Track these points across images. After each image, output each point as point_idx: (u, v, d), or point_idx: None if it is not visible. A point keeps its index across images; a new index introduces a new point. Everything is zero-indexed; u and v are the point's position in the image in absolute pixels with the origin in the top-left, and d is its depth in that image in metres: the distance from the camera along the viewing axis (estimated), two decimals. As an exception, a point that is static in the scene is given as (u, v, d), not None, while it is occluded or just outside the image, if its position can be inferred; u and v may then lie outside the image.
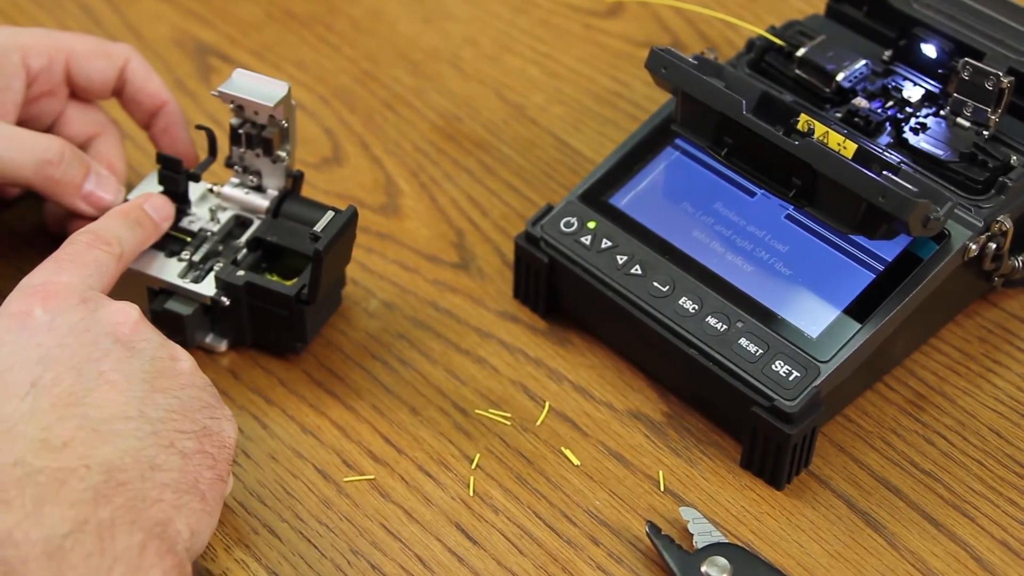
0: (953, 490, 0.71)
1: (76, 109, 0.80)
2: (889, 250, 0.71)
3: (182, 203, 0.77)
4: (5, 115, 0.76)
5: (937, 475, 0.72)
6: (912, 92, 0.77)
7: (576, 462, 0.72)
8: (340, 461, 0.72)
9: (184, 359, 0.66)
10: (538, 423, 0.74)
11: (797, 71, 0.79)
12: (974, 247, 0.71)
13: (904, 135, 0.75)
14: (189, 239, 0.76)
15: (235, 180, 0.78)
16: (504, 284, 0.81)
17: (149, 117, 0.81)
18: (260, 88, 0.75)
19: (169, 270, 0.75)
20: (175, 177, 0.77)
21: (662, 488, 0.71)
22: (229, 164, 0.78)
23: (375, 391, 0.75)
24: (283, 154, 0.76)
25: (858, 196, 0.67)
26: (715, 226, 0.75)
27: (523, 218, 0.84)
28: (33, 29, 0.79)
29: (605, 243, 0.75)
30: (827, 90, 0.78)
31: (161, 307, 0.74)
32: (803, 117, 0.73)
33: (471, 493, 0.71)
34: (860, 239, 0.72)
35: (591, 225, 0.76)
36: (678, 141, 0.78)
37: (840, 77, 0.77)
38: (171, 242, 0.76)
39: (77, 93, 0.80)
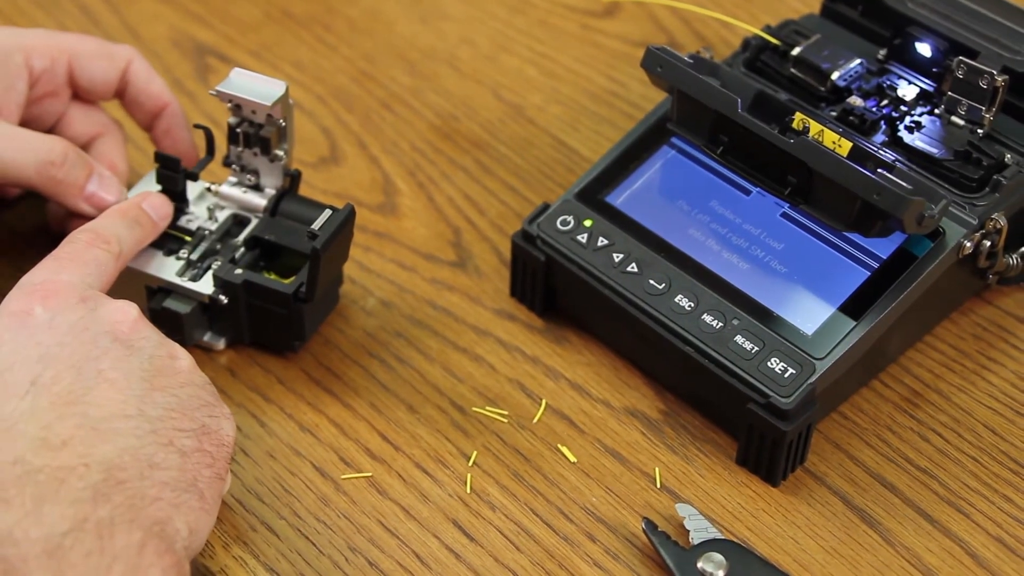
0: (948, 487, 0.71)
1: (78, 110, 0.81)
2: (884, 248, 0.72)
3: (180, 202, 0.78)
4: (8, 116, 0.76)
5: (932, 472, 0.72)
6: (907, 91, 0.78)
7: (573, 459, 0.73)
8: (338, 458, 0.72)
9: (183, 357, 0.66)
10: (535, 420, 0.74)
11: (792, 70, 0.79)
12: (969, 245, 0.72)
13: (899, 133, 0.76)
14: (187, 238, 0.76)
15: (233, 179, 0.78)
16: (501, 282, 0.81)
17: (151, 118, 0.81)
18: (258, 87, 0.75)
19: (167, 268, 0.75)
20: (173, 176, 0.77)
21: (658, 485, 0.71)
22: (227, 163, 0.78)
23: (373, 389, 0.76)
24: (281, 153, 0.77)
25: (853, 194, 0.68)
26: (711, 224, 0.75)
27: (520, 217, 0.85)
28: (36, 30, 0.80)
29: (601, 241, 0.75)
30: (822, 89, 0.78)
31: (159, 305, 0.74)
32: (798, 116, 0.73)
33: (468, 490, 0.71)
34: (855, 237, 0.72)
35: (587, 223, 0.76)
36: (674, 140, 0.78)
37: (835, 76, 0.78)
38: (169, 241, 0.76)
39: (79, 94, 0.81)
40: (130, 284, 0.74)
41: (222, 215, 0.78)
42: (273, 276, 0.75)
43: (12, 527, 0.56)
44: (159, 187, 0.77)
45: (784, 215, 0.74)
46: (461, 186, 0.88)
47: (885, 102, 0.77)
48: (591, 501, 0.70)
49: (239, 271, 0.74)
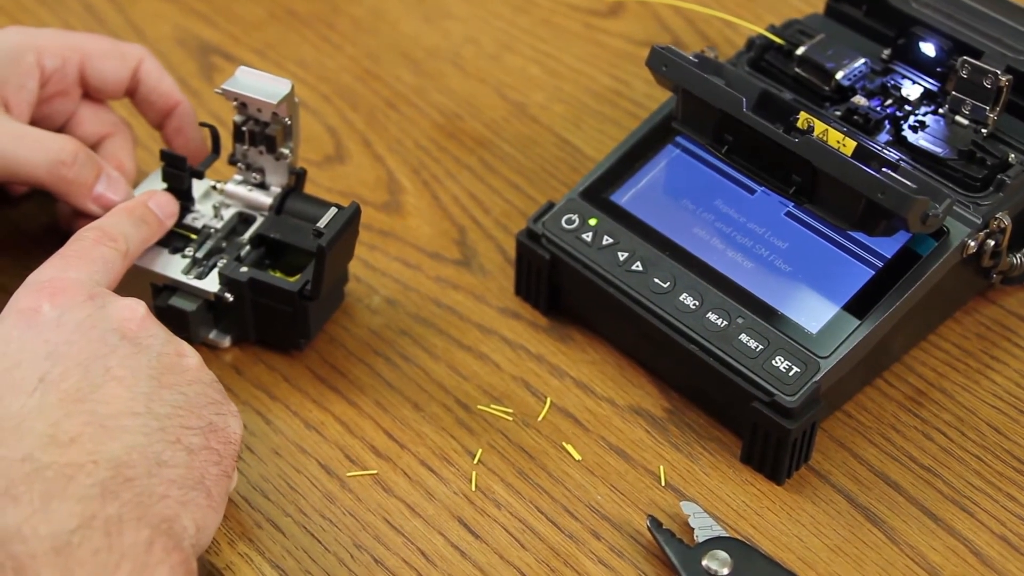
0: (952, 485, 0.71)
1: (88, 109, 0.81)
2: (888, 247, 0.72)
3: (186, 200, 0.78)
4: (19, 115, 0.76)
5: (936, 470, 0.72)
6: (911, 90, 0.78)
7: (578, 457, 0.73)
8: (343, 456, 0.72)
9: (190, 355, 0.66)
10: (540, 419, 0.74)
11: (797, 69, 0.79)
12: (973, 244, 0.72)
13: (903, 133, 0.76)
14: (193, 236, 0.77)
15: (238, 177, 0.79)
16: (506, 281, 0.81)
17: (162, 117, 0.81)
18: (263, 85, 0.75)
19: (173, 267, 0.75)
20: (179, 174, 0.77)
21: (663, 483, 0.71)
22: (232, 161, 0.78)
23: (378, 387, 0.76)
24: (286, 151, 0.77)
25: (858, 193, 0.68)
26: (715, 223, 0.75)
27: (524, 215, 0.85)
28: (48, 30, 0.80)
29: (606, 240, 0.76)
30: (827, 88, 0.78)
31: (165, 303, 0.74)
32: (803, 115, 0.73)
33: (473, 488, 0.71)
34: (859, 236, 0.72)
35: (592, 222, 0.76)
36: (678, 139, 0.78)
37: (839, 75, 0.78)
38: (175, 239, 0.76)
39: (90, 93, 0.81)
40: (136, 282, 0.74)
41: (228, 213, 0.78)
42: (278, 274, 0.76)
43: (21, 524, 0.56)
44: (165, 185, 0.78)
45: (788, 214, 0.75)
46: (466, 184, 0.88)
47: (889, 101, 0.78)
48: (596, 499, 0.71)
49: (244, 269, 0.74)
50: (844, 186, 0.68)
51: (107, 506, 0.58)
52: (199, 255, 0.76)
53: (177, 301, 0.75)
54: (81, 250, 0.68)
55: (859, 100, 0.77)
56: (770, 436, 0.70)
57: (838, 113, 0.77)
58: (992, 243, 0.73)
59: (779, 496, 0.71)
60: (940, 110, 0.77)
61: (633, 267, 0.74)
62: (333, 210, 0.72)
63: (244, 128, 0.77)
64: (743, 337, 0.71)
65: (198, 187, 0.79)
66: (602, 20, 1.01)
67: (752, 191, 0.76)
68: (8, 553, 0.55)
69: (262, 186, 0.78)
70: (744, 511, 0.70)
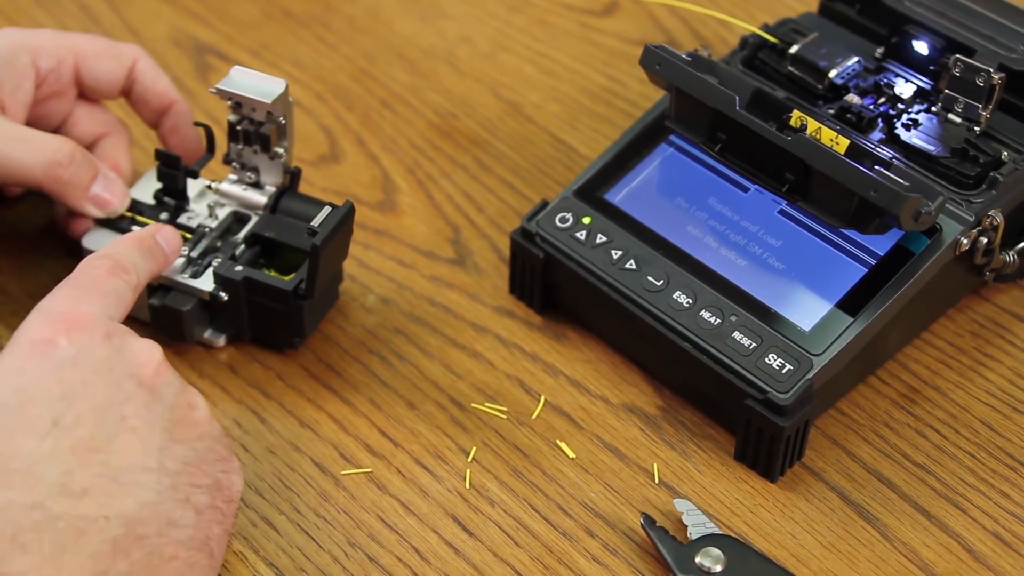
0: (945, 482, 0.72)
1: (84, 110, 0.81)
2: (881, 244, 0.72)
3: (180, 199, 0.78)
4: (15, 116, 0.76)
5: (929, 467, 0.72)
6: (904, 89, 0.78)
7: (572, 455, 0.73)
8: (337, 454, 0.72)
9: (201, 407, 0.64)
10: (534, 417, 0.75)
11: (790, 68, 0.79)
12: (965, 241, 0.72)
13: (896, 131, 0.76)
14: (188, 235, 0.77)
15: (233, 176, 0.79)
16: (500, 280, 0.82)
17: (157, 116, 0.81)
18: (258, 85, 0.75)
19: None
20: (174, 174, 0.77)
21: (657, 480, 0.72)
22: (227, 161, 0.78)
23: (372, 385, 0.76)
24: (281, 150, 0.77)
25: (850, 191, 0.68)
26: (709, 221, 0.75)
27: (519, 214, 0.85)
28: (43, 31, 0.80)
29: (600, 238, 0.76)
30: (820, 87, 0.78)
31: (160, 302, 0.75)
32: (796, 113, 0.73)
33: (467, 486, 0.71)
34: (852, 233, 0.72)
35: (586, 221, 0.77)
36: (672, 137, 0.78)
37: (833, 74, 0.78)
38: (170, 238, 0.77)
39: (86, 93, 0.81)
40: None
41: (222, 212, 0.78)
42: (273, 273, 0.76)
43: (29, 573, 0.54)
44: (160, 185, 0.78)
45: (782, 212, 0.75)
46: (460, 184, 0.88)
47: (882, 100, 0.78)
48: (590, 497, 0.71)
49: (239, 268, 0.74)
50: (837, 184, 0.68)
51: (118, 563, 0.57)
52: (194, 254, 0.76)
53: (172, 300, 0.75)
54: (94, 281, 0.65)
55: (852, 98, 0.77)
56: (763, 433, 0.70)
57: (831, 111, 0.77)
58: (985, 241, 0.73)
59: (772, 493, 0.71)
60: (933, 108, 0.77)
61: (627, 265, 0.75)
62: (327, 209, 0.72)
63: (239, 127, 0.77)
64: (736, 335, 0.71)
65: (193, 186, 0.79)
66: (597, 19, 1.01)
67: (745, 189, 0.76)
68: None
69: (257, 185, 0.78)
70: (738, 508, 0.70)
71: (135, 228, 0.77)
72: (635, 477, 0.72)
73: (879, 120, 0.77)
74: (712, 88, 0.73)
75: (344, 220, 0.73)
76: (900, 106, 0.77)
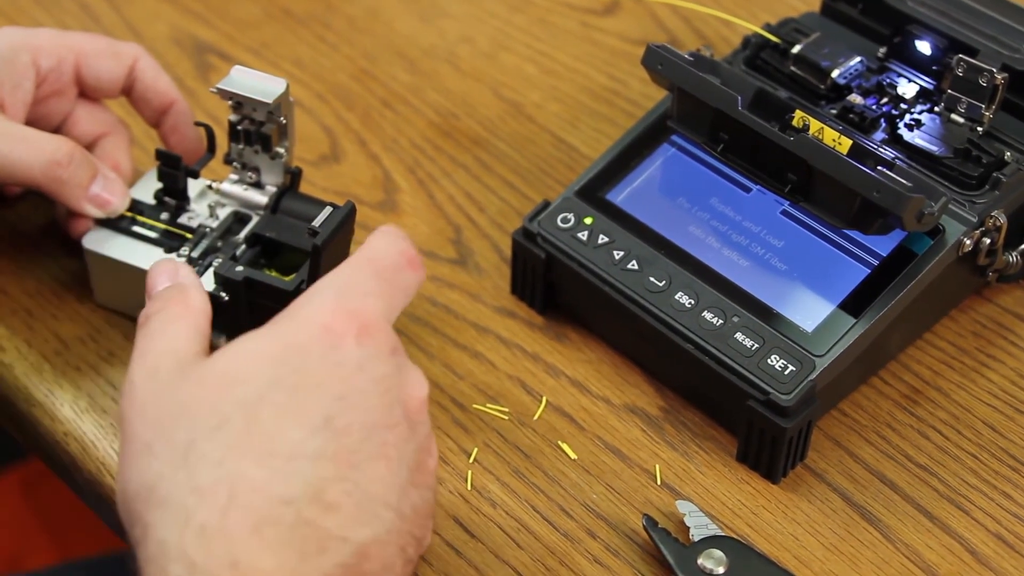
0: (948, 483, 0.71)
1: (84, 109, 0.81)
2: (884, 245, 0.72)
3: (181, 199, 0.78)
4: (15, 115, 0.76)
5: (932, 469, 0.72)
6: (907, 89, 0.78)
7: (573, 456, 0.73)
8: (339, 455, 0.72)
9: (434, 456, 0.60)
10: (535, 417, 0.74)
11: (792, 68, 0.79)
12: (968, 242, 0.72)
13: (899, 131, 0.76)
14: (188, 235, 0.77)
15: (234, 176, 0.79)
16: (501, 280, 0.81)
17: (158, 115, 0.81)
18: (258, 84, 0.75)
19: (168, 266, 0.75)
20: (174, 174, 0.77)
21: (659, 482, 0.71)
22: (228, 161, 0.78)
23: (373, 386, 0.76)
24: (281, 150, 0.77)
25: (853, 191, 0.68)
26: (711, 221, 0.75)
27: (520, 214, 0.85)
28: (43, 30, 0.80)
29: (602, 239, 0.76)
30: (822, 87, 0.78)
31: (160, 303, 0.74)
32: (798, 113, 0.73)
33: (469, 487, 0.71)
34: (855, 234, 0.72)
35: (588, 221, 0.76)
36: (674, 137, 0.78)
37: (835, 74, 0.78)
38: (170, 238, 0.76)
39: (86, 92, 0.81)
40: (133, 283, 0.74)
41: (223, 213, 0.78)
42: (274, 273, 0.75)
43: (269, 572, 0.51)
44: (160, 185, 0.78)
45: (784, 212, 0.75)
46: (461, 184, 0.88)
47: (885, 100, 0.78)
48: (591, 498, 0.71)
49: (240, 268, 0.74)
50: (839, 184, 0.68)
51: None
52: (194, 254, 0.75)
53: (172, 300, 0.74)
54: (395, 270, 0.61)
55: (855, 98, 0.77)
56: (766, 435, 0.70)
57: (834, 111, 0.77)
58: (988, 241, 0.73)
59: (775, 495, 0.71)
60: (936, 108, 0.77)
61: (629, 266, 0.74)
62: (328, 209, 0.72)
63: (239, 127, 0.77)
64: (739, 336, 0.71)
65: (193, 186, 0.79)
66: (598, 19, 1.01)
67: (748, 189, 0.76)
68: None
69: (257, 185, 0.78)
70: (740, 510, 0.70)
71: (136, 228, 0.76)
72: (637, 478, 0.72)
73: (882, 120, 0.77)
74: (714, 88, 0.73)
75: (345, 220, 0.72)
76: (903, 106, 0.77)
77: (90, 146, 0.80)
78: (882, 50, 0.80)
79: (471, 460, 0.72)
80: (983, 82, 0.74)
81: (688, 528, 0.67)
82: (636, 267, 0.74)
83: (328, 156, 0.90)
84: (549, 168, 0.89)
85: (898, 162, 0.72)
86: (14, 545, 1.44)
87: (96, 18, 0.99)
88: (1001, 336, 0.79)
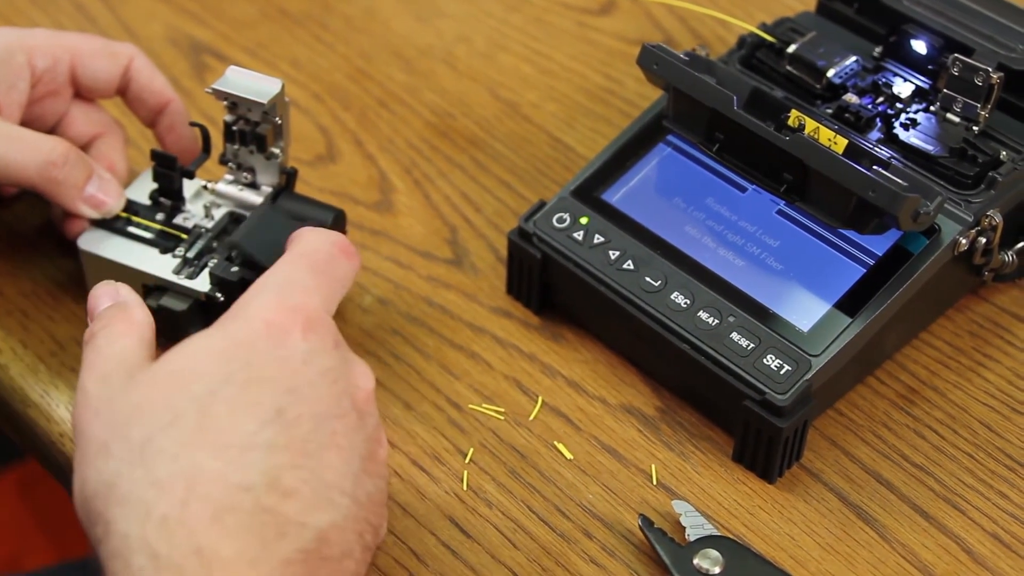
0: (944, 483, 0.71)
1: (80, 109, 0.81)
2: (880, 244, 0.72)
3: (176, 200, 0.78)
4: (10, 116, 0.76)
5: (928, 468, 0.72)
6: (902, 88, 0.78)
7: (569, 456, 0.73)
8: (334, 456, 0.72)
9: (384, 447, 0.61)
10: (531, 418, 0.74)
11: (788, 67, 0.79)
12: (964, 241, 0.72)
13: (894, 131, 0.76)
14: (184, 236, 0.76)
15: (229, 177, 0.79)
16: (497, 280, 0.81)
17: (154, 115, 0.81)
18: (254, 85, 0.75)
19: (163, 266, 0.75)
20: (169, 174, 0.77)
21: (655, 482, 0.71)
22: (223, 161, 0.78)
23: (369, 386, 0.76)
24: (277, 151, 0.77)
25: (848, 191, 0.68)
26: (707, 221, 0.75)
27: (516, 214, 0.85)
28: (38, 30, 0.80)
29: (597, 238, 0.76)
30: (818, 86, 0.78)
31: (156, 303, 0.74)
32: (794, 113, 0.73)
33: (465, 487, 0.71)
34: (851, 234, 0.72)
35: (584, 221, 0.76)
36: (670, 137, 0.78)
37: (831, 73, 0.78)
38: (165, 239, 0.76)
39: (82, 93, 0.81)
40: (127, 282, 0.74)
41: (218, 213, 0.78)
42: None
43: (229, 559, 0.52)
44: (156, 185, 0.78)
45: (780, 212, 0.74)
46: (457, 184, 0.88)
47: (881, 99, 0.78)
48: (587, 498, 0.71)
49: (235, 269, 0.74)
50: (835, 184, 0.68)
51: None
52: (190, 255, 0.75)
53: (168, 301, 0.74)
54: (330, 262, 0.62)
55: (850, 98, 0.77)
56: (762, 434, 0.70)
57: (829, 111, 0.77)
58: (983, 240, 0.73)
59: (771, 495, 0.71)
60: (931, 108, 0.77)
61: (624, 266, 0.74)
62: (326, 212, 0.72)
63: (235, 127, 0.76)
64: (734, 335, 0.71)
65: (189, 187, 0.79)
66: (594, 18, 1.01)
67: (743, 189, 0.76)
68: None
69: (253, 186, 0.78)
70: (736, 510, 0.70)
71: (131, 229, 0.76)
72: (633, 478, 0.71)
73: (877, 120, 0.76)
74: (710, 88, 0.73)
75: (335, 226, 0.72)
76: (898, 106, 0.77)
77: (85, 146, 0.80)
78: (878, 49, 0.80)
79: (467, 460, 0.72)
80: (979, 81, 0.74)
81: (684, 528, 0.67)
82: (632, 267, 0.74)
83: (324, 156, 0.90)
84: (545, 168, 0.89)
85: (894, 162, 0.72)
86: (12, 545, 1.44)
87: (92, 18, 0.99)
88: (997, 335, 0.79)
